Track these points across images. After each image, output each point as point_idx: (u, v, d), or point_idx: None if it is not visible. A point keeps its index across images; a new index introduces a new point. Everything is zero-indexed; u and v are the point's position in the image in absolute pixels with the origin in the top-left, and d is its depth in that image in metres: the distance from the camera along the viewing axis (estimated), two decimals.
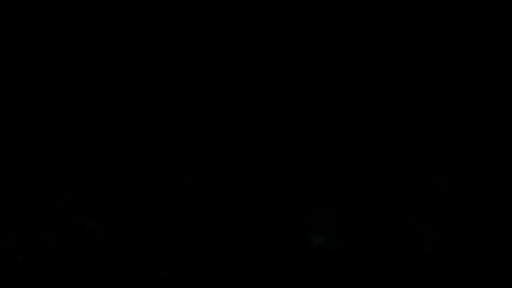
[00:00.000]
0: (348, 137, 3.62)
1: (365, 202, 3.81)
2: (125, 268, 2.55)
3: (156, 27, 3.27)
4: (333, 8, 3.70)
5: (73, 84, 4.96)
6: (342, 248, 3.27)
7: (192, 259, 2.67)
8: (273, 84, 3.36)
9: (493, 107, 4.83)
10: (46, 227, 2.66)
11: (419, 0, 4.23)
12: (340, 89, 3.62)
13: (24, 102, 5.20)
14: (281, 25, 3.31)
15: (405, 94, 4.10)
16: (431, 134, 4.27)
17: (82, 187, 5.68)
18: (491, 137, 6.64)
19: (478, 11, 4.84)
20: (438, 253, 2.99)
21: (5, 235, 2.62)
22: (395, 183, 4.93)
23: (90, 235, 2.67)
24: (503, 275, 2.91)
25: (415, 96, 4.16)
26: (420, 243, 3.10)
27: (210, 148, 3.43)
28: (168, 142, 6.89)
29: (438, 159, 5.80)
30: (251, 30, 3.24)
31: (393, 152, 4.28)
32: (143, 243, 2.69)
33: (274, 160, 3.29)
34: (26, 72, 5.92)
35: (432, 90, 4.55)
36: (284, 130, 3.38)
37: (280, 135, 3.38)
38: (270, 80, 3.35)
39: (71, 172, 6.60)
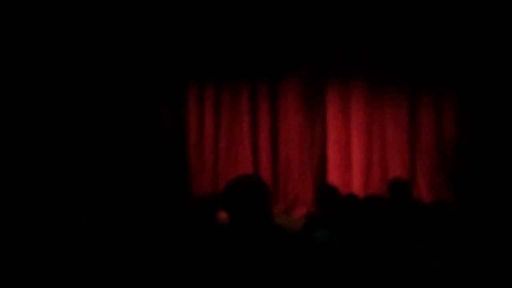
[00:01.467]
0: None
1: None
2: (125, 268, 2.55)
3: None
4: None
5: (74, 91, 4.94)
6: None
7: (191, 258, 2.67)
8: None
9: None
10: (46, 227, 2.67)
11: None
12: None
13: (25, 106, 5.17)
14: None
15: None
16: None
17: (82, 187, 5.67)
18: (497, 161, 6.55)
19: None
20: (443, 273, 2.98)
21: (5, 235, 2.63)
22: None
23: (90, 235, 2.67)
24: None
25: None
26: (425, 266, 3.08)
27: None
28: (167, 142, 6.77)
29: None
30: None
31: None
32: (143, 242, 2.69)
33: None
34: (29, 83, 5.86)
35: None
36: None
37: None
38: None
39: (71, 173, 6.60)
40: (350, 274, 3.05)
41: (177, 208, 5.38)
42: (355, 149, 8.62)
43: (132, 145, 8.41)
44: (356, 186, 8.44)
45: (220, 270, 2.62)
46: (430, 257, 3.08)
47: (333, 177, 8.57)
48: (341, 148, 8.64)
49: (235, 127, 8.69)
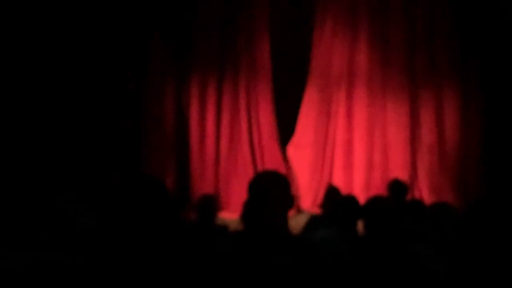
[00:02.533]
0: None
1: None
2: (126, 269, 2.55)
3: None
4: None
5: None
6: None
7: (191, 259, 2.68)
8: None
9: None
10: (46, 227, 2.68)
11: None
12: None
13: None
14: None
15: None
16: None
17: (80, 186, 5.65)
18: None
19: None
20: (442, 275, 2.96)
21: (5, 236, 2.64)
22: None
23: (90, 235, 2.67)
24: None
25: None
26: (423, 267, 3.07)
27: None
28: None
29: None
30: None
31: None
32: (142, 243, 2.70)
33: None
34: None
35: None
36: None
37: None
38: None
39: (69, 172, 6.57)
40: (350, 275, 3.05)
41: (177, 209, 5.38)
42: (357, 149, 8.61)
43: (132, 145, 8.41)
44: (358, 187, 8.44)
45: (220, 270, 2.63)
46: (429, 258, 3.08)
47: (336, 177, 8.59)
48: (343, 149, 8.65)
49: (236, 127, 8.70)
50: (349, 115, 8.63)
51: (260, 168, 8.56)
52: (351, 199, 4.64)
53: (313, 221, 5.55)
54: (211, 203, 5.31)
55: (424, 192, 8.39)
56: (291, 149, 8.71)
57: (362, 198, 6.42)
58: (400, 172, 8.25)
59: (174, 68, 8.58)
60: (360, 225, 4.15)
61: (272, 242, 2.69)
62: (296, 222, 6.28)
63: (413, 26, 8.46)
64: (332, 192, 5.95)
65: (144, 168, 8.35)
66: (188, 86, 8.65)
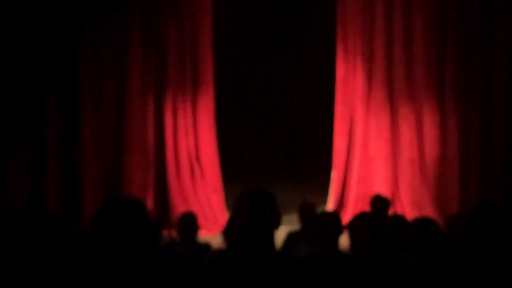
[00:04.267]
0: None
1: None
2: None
3: None
4: None
5: None
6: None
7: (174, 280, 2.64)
8: None
9: None
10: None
11: None
12: None
13: None
14: None
15: None
16: None
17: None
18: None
19: None
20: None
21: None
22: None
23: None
24: None
25: None
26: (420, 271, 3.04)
27: None
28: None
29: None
30: None
31: None
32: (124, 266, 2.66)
33: None
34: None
35: None
36: None
37: None
38: None
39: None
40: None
41: (157, 230, 5.33)
42: (354, 163, 8.65)
43: (113, 163, 8.37)
44: (348, 201, 8.48)
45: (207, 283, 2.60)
46: (414, 268, 3.07)
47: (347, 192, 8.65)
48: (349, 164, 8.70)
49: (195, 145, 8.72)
50: (352, 130, 8.71)
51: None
52: (332, 215, 4.63)
53: (291, 237, 5.53)
54: (191, 221, 5.27)
55: (406, 207, 8.38)
56: (336, 173, 8.70)
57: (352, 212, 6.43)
58: (383, 187, 8.27)
59: (152, 86, 8.56)
60: (342, 241, 4.13)
61: (258, 259, 2.67)
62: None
63: (391, 41, 8.49)
64: (307, 208, 5.94)
65: (126, 186, 8.31)
66: (164, 103, 8.62)
